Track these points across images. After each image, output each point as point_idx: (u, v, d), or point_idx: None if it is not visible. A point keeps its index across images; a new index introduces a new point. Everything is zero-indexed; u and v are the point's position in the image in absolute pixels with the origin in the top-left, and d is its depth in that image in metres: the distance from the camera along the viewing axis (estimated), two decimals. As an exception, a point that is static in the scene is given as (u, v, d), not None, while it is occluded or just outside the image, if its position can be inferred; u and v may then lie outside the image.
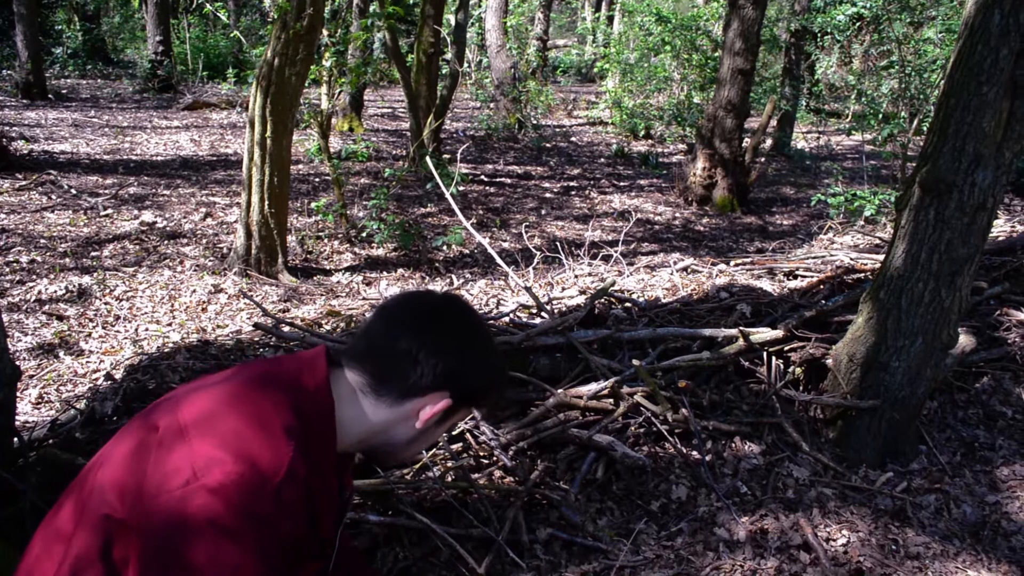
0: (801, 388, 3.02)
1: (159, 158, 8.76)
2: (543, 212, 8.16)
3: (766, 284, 4.16)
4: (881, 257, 3.70)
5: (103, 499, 1.06)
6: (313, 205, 6.61)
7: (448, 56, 9.96)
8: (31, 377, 3.67)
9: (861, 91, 10.19)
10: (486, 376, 1.26)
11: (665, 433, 2.67)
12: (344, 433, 1.19)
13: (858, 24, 10.80)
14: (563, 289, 4.56)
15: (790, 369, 3.04)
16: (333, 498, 1.23)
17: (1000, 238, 4.90)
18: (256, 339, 3.28)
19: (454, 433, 2.56)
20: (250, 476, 1.01)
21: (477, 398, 1.28)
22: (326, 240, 6.38)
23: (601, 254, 5.39)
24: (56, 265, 5.10)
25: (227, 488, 0.99)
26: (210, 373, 1.36)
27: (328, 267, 5.90)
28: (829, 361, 2.86)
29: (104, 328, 4.30)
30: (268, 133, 4.97)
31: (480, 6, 14.90)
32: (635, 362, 2.68)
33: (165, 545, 0.98)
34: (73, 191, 6.87)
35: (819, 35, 12.18)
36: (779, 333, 3.03)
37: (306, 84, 5.25)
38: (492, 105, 12.83)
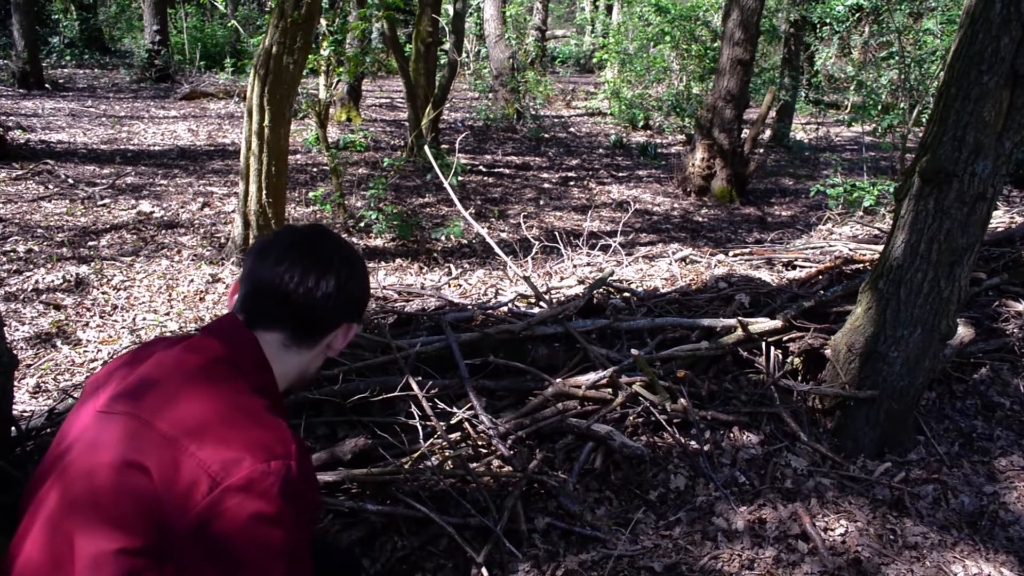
0: (800, 378, 3.02)
1: (156, 148, 8.73)
2: (542, 203, 8.14)
3: (765, 274, 4.16)
4: (880, 248, 3.70)
5: (105, 532, 1.01)
6: (311, 195, 6.59)
7: (446, 46, 9.92)
8: (29, 366, 3.66)
9: (860, 82, 10.15)
10: (370, 293, 1.37)
11: (663, 423, 2.67)
12: (281, 388, 1.25)
13: (857, 15, 10.75)
14: (562, 279, 4.56)
15: (789, 359, 3.04)
16: None
17: (999, 229, 4.90)
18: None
19: (452, 423, 2.56)
20: (272, 462, 1.03)
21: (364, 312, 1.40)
22: (324, 230, 6.36)
23: (600, 244, 5.38)
24: (53, 255, 5.08)
25: (256, 481, 1.01)
26: None
27: (326, 257, 5.87)
28: (828, 351, 2.86)
29: (101, 317, 4.29)
30: (266, 122, 4.94)
31: (479, -5, 14.82)
32: (634, 352, 2.68)
33: (214, 551, 0.99)
34: (70, 180, 6.84)
35: (818, 26, 12.13)
36: (778, 323, 3.03)
37: (304, 73, 5.22)
38: (491, 95, 12.78)
